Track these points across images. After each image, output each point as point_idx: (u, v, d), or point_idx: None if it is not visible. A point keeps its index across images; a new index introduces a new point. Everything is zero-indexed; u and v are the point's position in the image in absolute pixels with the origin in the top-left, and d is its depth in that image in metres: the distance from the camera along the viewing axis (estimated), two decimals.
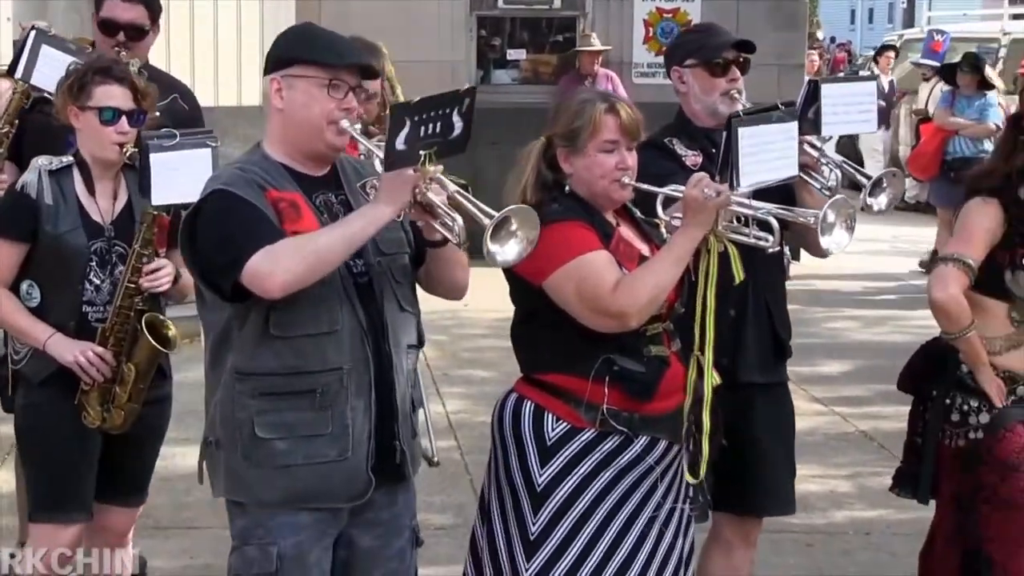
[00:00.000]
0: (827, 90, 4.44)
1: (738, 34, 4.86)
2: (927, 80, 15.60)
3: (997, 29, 19.87)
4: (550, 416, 3.87)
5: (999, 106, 12.99)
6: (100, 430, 4.42)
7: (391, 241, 3.64)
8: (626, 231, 3.98)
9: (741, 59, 4.65)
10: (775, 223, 3.87)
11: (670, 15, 13.87)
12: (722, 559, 4.78)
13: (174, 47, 10.51)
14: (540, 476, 3.87)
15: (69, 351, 4.31)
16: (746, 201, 3.90)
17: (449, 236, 3.48)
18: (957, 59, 13.86)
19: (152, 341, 4.37)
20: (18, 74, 4.85)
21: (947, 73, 13.67)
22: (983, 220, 4.66)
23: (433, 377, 8.89)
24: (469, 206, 3.42)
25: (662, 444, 3.93)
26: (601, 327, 3.78)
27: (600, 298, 3.74)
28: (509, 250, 3.38)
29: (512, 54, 14.41)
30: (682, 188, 3.85)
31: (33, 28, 5.09)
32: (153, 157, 4.26)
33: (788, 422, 4.82)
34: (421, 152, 3.40)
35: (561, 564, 3.86)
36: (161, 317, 4.47)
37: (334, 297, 3.53)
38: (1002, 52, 18.25)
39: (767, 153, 4.01)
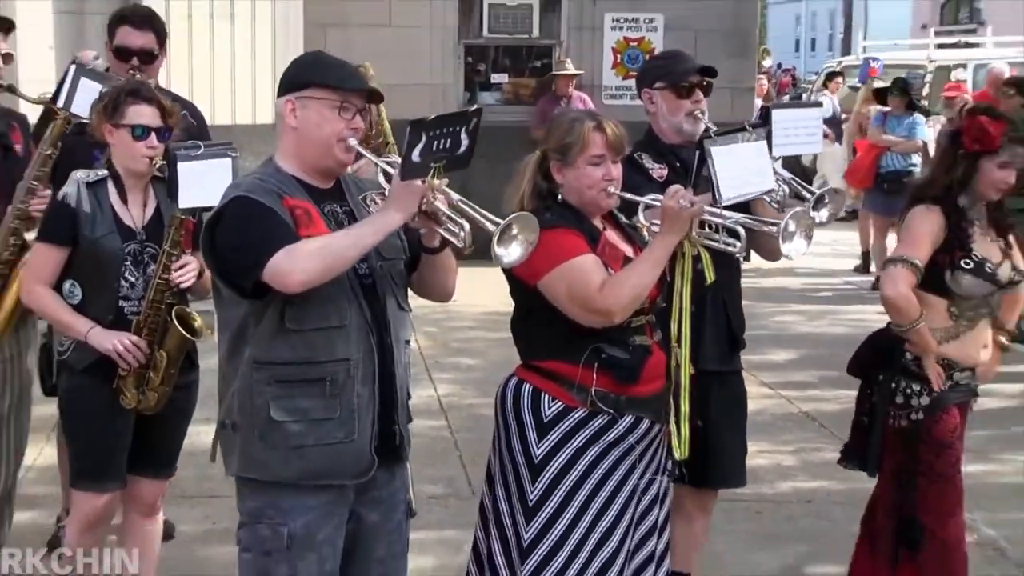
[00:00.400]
0: (778, 115, 4.48)
1: (697, 61, 4.89)
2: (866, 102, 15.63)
3: (924, 57, 19.95)
4: (546, 397, 3.91)
5: (925, 124, 13.07)
6: (135, 410, 4.44)
7: (391, 247, 3.64)
8: (612, 235, 4.03)
9: (704, 83, 4.68)
10: (742, 231, 3.94)
11: (636, 44, 13.94)
12: (684, 527, 4.81)
13: (196, 71, 10.49)
14: (537, 449, 3.91)
15: (108, 341, 4.33)
16: (718, 211, 3.97)
17: (455, 241, 3.48)
18: (889, 83, 13.93)
19: (181, 331, 4.40)
20: (60, 103, 4.85)
21: (880, 95, 13.71)
22: (926, 225, 4.73)
23: (426, 364, 8.90)
24: (474, 214, 3.43)
25: (644, 423, 3.97)
26: (589, 322, 3.83)
27: (588, 297, 3.79)
28: (512, 252, 3.40)
29: (495, 78, 14.41)
30: (660, 198, 3.90)
31: (73, 62, 5.12)
32: (180, 165, 4.29)
33: (741, 406, 4.86)
34: (432, 166, 3.41)
35: (556, 527, 3.90)
36: (188, 309, 4.50)
37: (343, 296, 3.54)
38: (928, 77, 18.32)
39: (743, 169, 4.06)
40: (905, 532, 4.84)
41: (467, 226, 3.44)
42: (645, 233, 4.07)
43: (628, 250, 4.00)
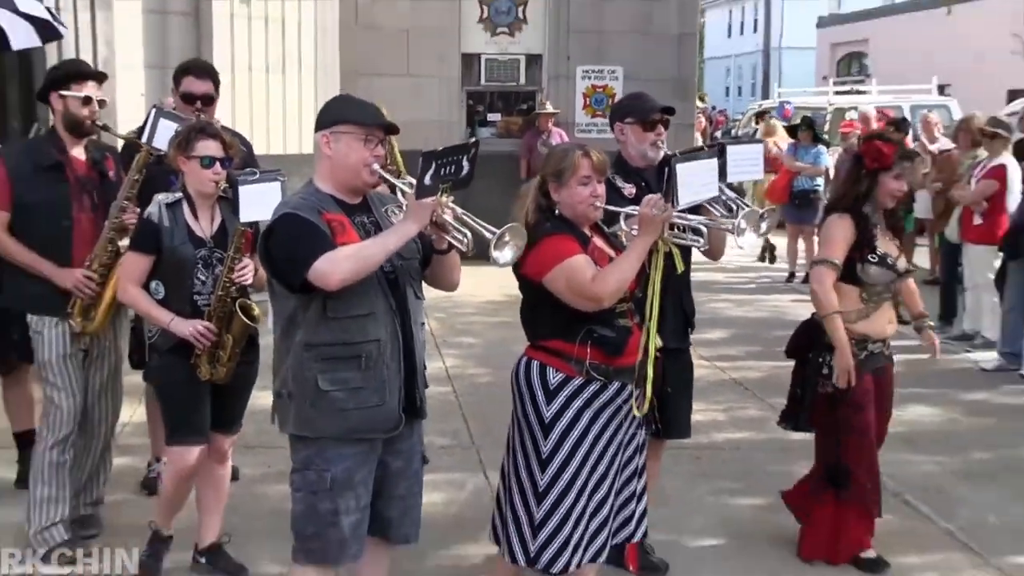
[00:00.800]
0: (731, 150, 4.51)
1: None
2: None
3: (825, 101, 20.05)
4: (550, 369, 3.91)
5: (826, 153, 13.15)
6: (209, 381, 4.45)
7: (409, 249, 3.65)
8: (598, 240, 4.04)
9: (664, 119, 4.71)
10: (705, 230, 4.04)
11: (601, 89, 13.96)
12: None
13: (255, 111, 10.47)
14: (546, 411, 3.91)
15: (186, 328, 4.34)
16: (685, 215, 4.02)
17: (459, 246, 3.54)
18: (798, 121, 13.96)
19: (243, 318, 4.42)
20: (144, 139, 4.86)
21: (792, 131, 13.73)
22: (840, 231, 4.81)
23: (436, 343, 8.87)
24: (475, 224, 3.50)
25: (628, 387, 3.98)
26: (584, 307, 3.84)
27: (584, 287, 3.80)
28: (506, 255, 3.47)
29: (491, 116, 14.37)
30: (637, 208, 3.94)
31: (155, 107, 5.11)
32: (241, 188, 4.29)
33: (689, 376, 4.86)
34: (440, 186, 3.45)
35: (565, 473, 3.92)
36: (249, 301, 4.49)
37: (372, 289, 3.56)
38: (828, 117, 18.38)
39: (697, 181, 4.10)
40: (832, 475, 4.88)
41: (469, 234, 3.50)
42: (623, 238, 4.09)
43: (611, 252, 4.02)
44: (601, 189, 3.97)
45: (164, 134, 4.84)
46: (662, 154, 4.64)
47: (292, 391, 3.62)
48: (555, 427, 3.91)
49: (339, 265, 3.42)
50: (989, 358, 8.79)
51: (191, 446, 4.45)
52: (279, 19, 10.91)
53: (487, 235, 3.44)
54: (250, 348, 4.60)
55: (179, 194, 4.49)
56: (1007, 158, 9.05)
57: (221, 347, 4.41)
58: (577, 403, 3.91)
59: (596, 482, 3.95)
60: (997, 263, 9.04)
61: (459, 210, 3.53)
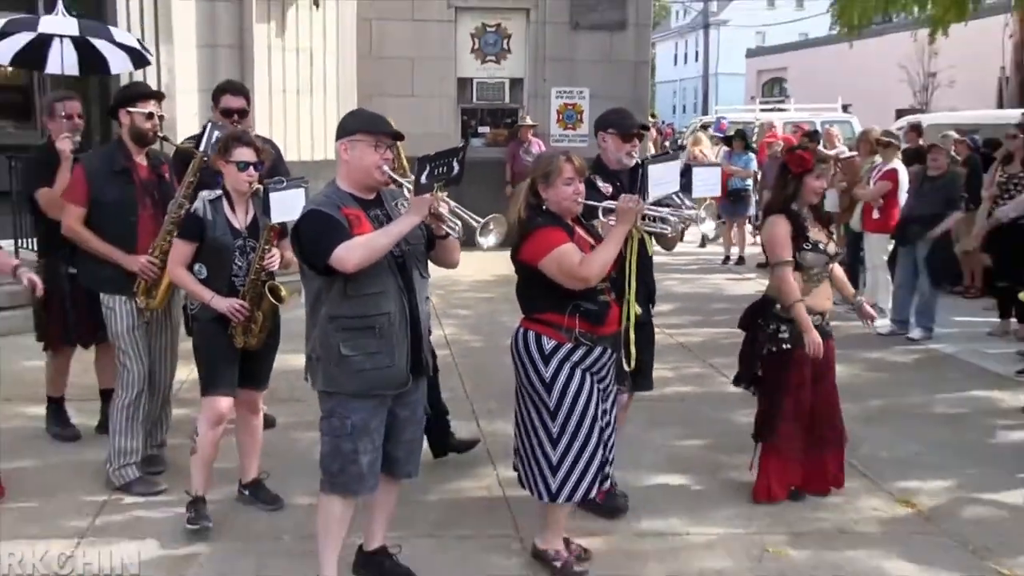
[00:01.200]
0: (696, 170, 4.67)
1: None
2: (715, 144, 15.60)
3: (753, 116, 19.99)
4: (544, 338, 3.89)
5: (754, 159, 13.13)
6: (243, 348, 4.43)
7: (415, 236, 3.63)
8: (580, 231, 4.01)
9: (640, 133, 4.71)
10: (672, 219, 4.15)
11: (571, 107, 13.86)
12: None
13: (288, 125, 10.47)
14: (545, 372, 3.88)
15: (224, 304, 4.32)
16: (655, 207, 4.09)
17: (453, 233, 3.60)
18: (732, 133, 13.93)
19: (271, 298, 4.40)
20: (200, 148, 4.84)
21: (727, 140, 13.70)
22: (780, 229, 4.77)
23: (436, 314, 8.80)
24: (464, 215, 3.53)
25: (608, 352, 3.98)
26: (573, 287, 3.83)
27: (573, 270, 3.79)
28: (489, 240, 3.51)
29: (481, 129, 14.26)
30: (614, 203, 3.97)
31: (210, 122, 5.08)
32: (271, 195, 4.25)
33: (652, 341, 4.78)
34: (435, 184, 3.46)
35: (571, 422, 3.91)
36: (277, 284, 4.46)
37: (384, 271, 3.55)
38: (756, 129, 18.30)
39: (664, 179, 4.20)
40: (759, 427, 4.86)
41: (460, 223, 3.54)
42: (600, 228, 4.06)
43: (591, 240, 4.00)
44: (581, 188, 3.95)
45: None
46: (635, 161, 4.62)
47: (320, 355, 3.63)
48: (555, 384, 3.89)
49: (354, 252, 3.43)
50: (884, 325, 8.77)
51: (221, 397, 4.43)
52: (308, 50, 10.90)
53: (474, 223, 3.48)
54: (275, 321, 4.57)
55: (219, 192, 4.44)
56: (897, 163, 9.11)
57: (253, 321, 4.39)
58: (568, 364, 3.89)
59: (589, 428, 3.93)
60: (890, 247, 9.07)
61: (452, 203, 3.56)
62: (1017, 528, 4.68)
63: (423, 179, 3.44)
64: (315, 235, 3.50)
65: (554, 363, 3.88)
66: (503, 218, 3.57)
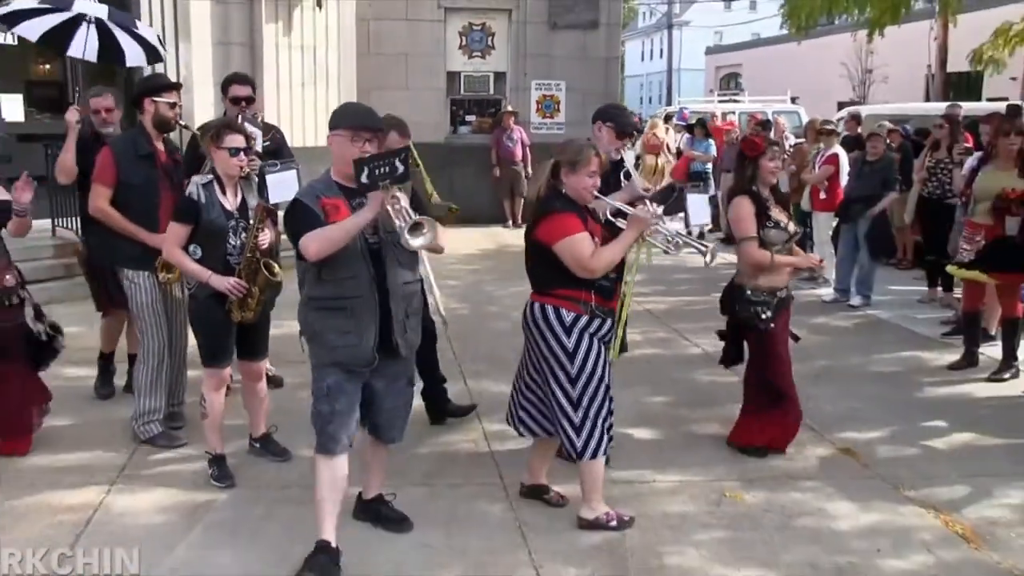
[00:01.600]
0: (691, 198, 4.73)
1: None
2: (679, 132, 15.50)
3: (712, 107, 19.81)
4: (563, 310, 3.79)
5: (713, 144, 13.04)
6: (240, 322, 4.28)
7: (393, 226, 3.38)
8: (590, 219, 3.88)
9: (633, 134, 4.60)
10: (680, 242, 3.99)
11: (549, 98, 13.72)
12: None
13: (294, 115, 10.35)
14: (568, 342, 3.79)
15: (222, 283, 4.16)
16: (664, 226, 3.94)
17: (399, 229, 3.31)
18: (694, 121, 13.83)
19: (267, 275, 4.25)
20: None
21: (689, 128, 13.61)
22: (744, 210, 4.67)
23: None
24: (407, 213, 3.31)
25: (610, 323, 3.91)
26: (579, 275, 3.74)
27: (583, 260, 3.71)
28: (418, 241, 3.28)
29: (468, 118, 14.08)
30: (629, 209, 3.89)
31: (240, 115, 5.03)
32: (268, 177, 4.16)
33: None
34: (380, 183, 3.27)
35: (590, 386, 3.83)
36: (271, 261, 4.31)
37: (356, 257, 3.41)
38: (716, 118, 18.21)
39: (700, 211, 4.43)
40: (774, 396, 4.75)
41: (408, 220, 3.28)
42: (601, 214, 3.97)
43: (597, 228, 3.89)
44: (597, 182, 3.83)
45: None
46: (620, 157, 4.49)
47: (303, 329, 3.56)
48: (577, 353, 3.80)
49: (312, 242, 3.32)
50: (828, 293, 8.80)
51: (220, 367, 4.35)
52: (312, 47, 10.79)
53: (398, 224, 3.28)
54: (270, 300, 4.43)
55: (210, 176, 4.28)
56: (838, 148, 9.13)
57: (250, 296, 4.23)
58: (587, 334, 3.81)
59: (605, 391, 3.88)
60: (834, 224, 9.04)
61: (403, 203, 3.33)
62: (938, 468, 4.72)
63: (363, 179, 3.27)
64: (292, 223, 3.41)
65: (575, 334, 3.79)
66: (435, 222, 3.35)
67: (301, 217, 3.39)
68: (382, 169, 3.27)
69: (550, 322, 3.81)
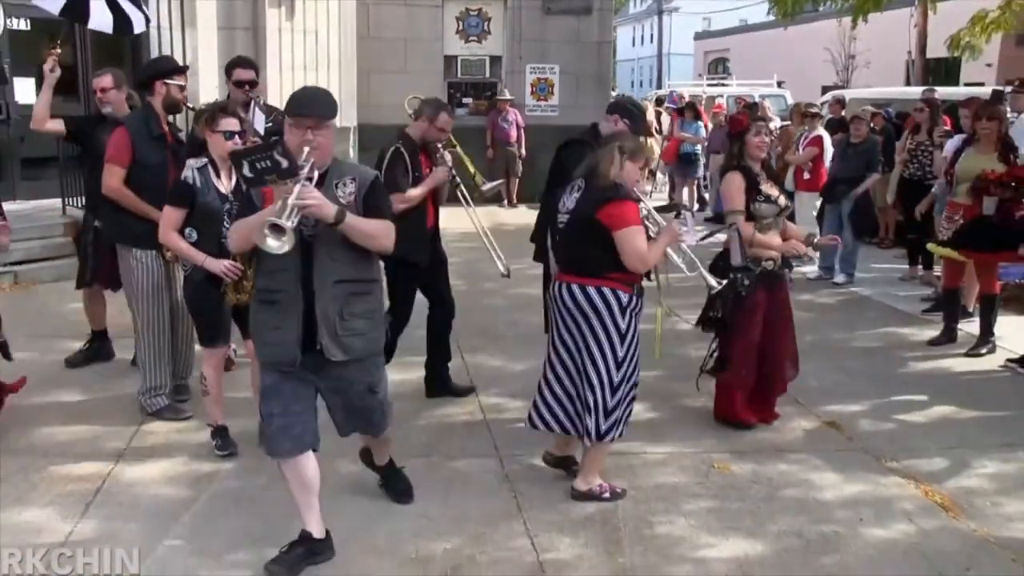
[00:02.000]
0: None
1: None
2: (670, 114, 15.37)
3: (701, 91, 19.70)
4: (617, 292, 3.70)
5: (703, 126, 12.95)
6: (234, 304, 4.13)
7: (320, 219, 3.03)
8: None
9: (644, 138, 4.59)
10: (696, 267, 4.13)
11: (544, 81, 13.54)
12: None
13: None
14: (623, 323, 3.72)
15: (217, 266, 4.01)
16: (684, 247, 3.97)
17: (284, 226, 2.91)
18: (684, 104, 13.72)
19: None
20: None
21: (679, 111, 13.51)
22: (735, 184, 4.62)
23: None
24: (289, 211, 2.91)
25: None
26: (629, 265, 3.67)
27: (640, 253, 3.66)
28: (275, 244, 2.90)
29: (465, 100, 13.93)
30: (662, 220, 3.89)
31: (254, 101, 5.11)
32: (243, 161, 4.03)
33: None
34: (265, 178, 2.94)
35: (632, 368, 3.80)
36: None
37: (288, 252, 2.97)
38: (703, 101, 18.09)
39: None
40: (718, 362, 4.76)
41: (296, 219, 2.92)
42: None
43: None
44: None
45: (258, 120, 4.95)
46: None
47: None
48: (628, 334, 3.73)
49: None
50: (812, 271, 8.73)
51: (218, 347, 4.30)
52: (313, 31, 10.66)
53: (274, 221, 2.90)
54: None
55: (205, 160, 4.16)
56: (821, 130, 9.07)
57: (245, 278, 4.05)
58: (635, 315, 3.77)
59: (638, 372, 3.85)
60: (819, 204, 8.98)
61: (296, 201, 2.92)
62: (919, 440, 4.69)
63: (245, 173, 2.94)
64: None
65: (628, 315, 3.73)
66: (294, 238, 2.91)
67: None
68: (263, 163, 2.93)
69: (608, 303, 3.70)
